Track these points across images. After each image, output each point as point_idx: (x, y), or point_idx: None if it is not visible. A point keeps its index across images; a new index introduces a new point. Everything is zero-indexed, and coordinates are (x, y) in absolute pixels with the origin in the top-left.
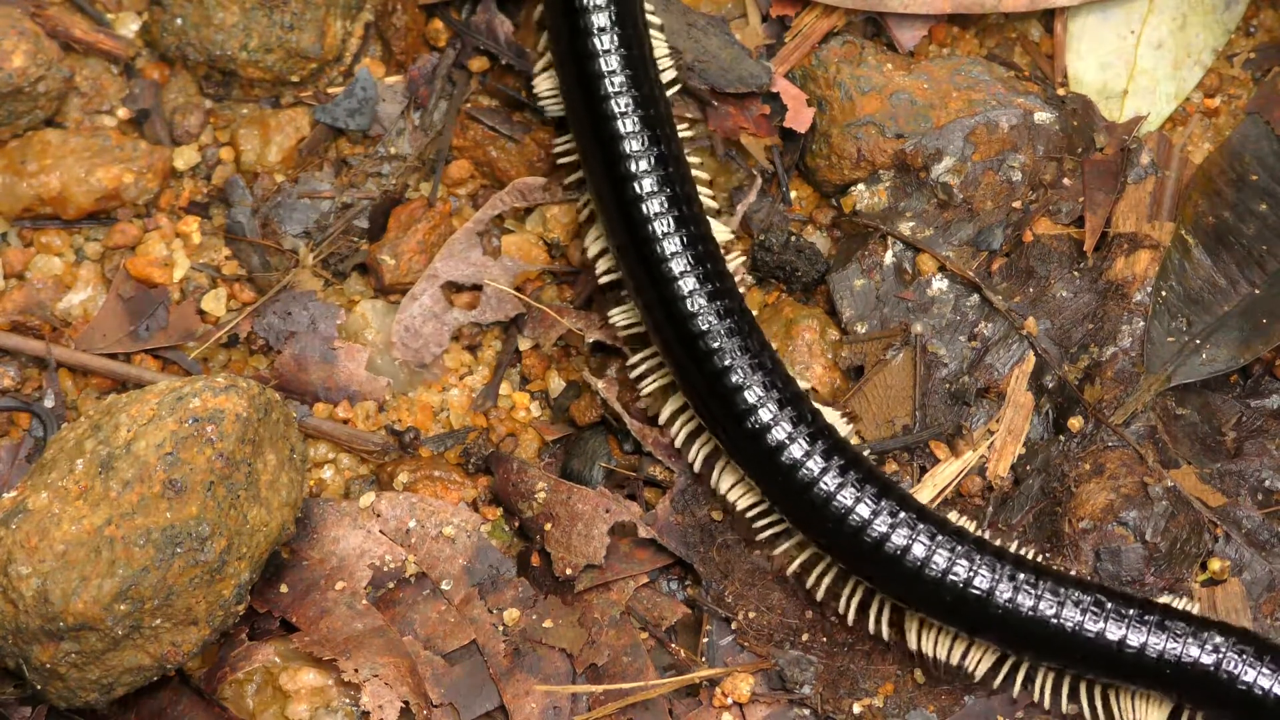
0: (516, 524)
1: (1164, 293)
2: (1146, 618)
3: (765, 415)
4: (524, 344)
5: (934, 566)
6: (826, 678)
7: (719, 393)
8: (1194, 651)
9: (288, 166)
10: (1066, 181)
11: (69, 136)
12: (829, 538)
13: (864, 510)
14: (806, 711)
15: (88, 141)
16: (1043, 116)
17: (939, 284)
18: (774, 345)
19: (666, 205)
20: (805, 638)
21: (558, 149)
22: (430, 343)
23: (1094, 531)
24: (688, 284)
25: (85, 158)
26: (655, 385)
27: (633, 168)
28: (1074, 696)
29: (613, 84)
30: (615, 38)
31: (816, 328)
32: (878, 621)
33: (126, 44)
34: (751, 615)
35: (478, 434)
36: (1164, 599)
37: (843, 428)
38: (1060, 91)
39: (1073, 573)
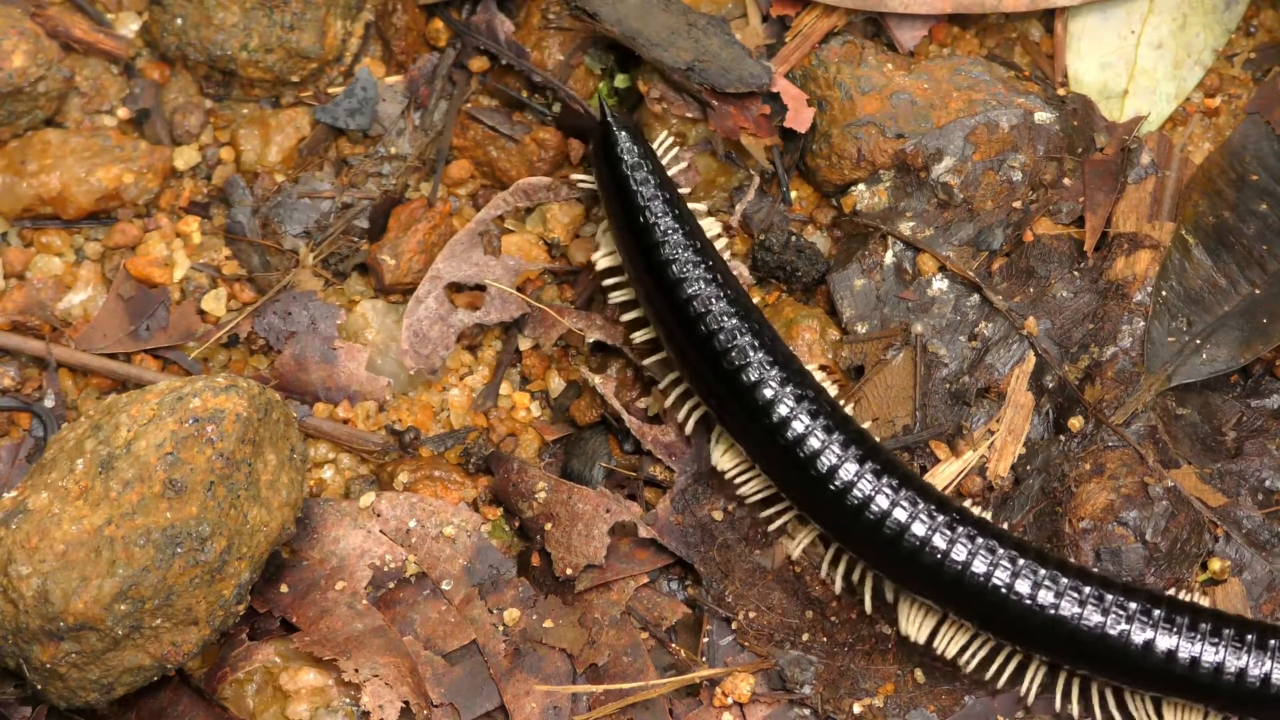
0: (516, 524)
1: (1164, 293)
2: (1250, 640)
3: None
4: (524, 344)
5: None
6: (826, 678)
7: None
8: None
9: (288, 166)
10: (1067, 181)
11: (69, 136)
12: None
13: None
14: (806, 711)
15: (88, 141)
16: (1043, 116)
17: (939, 284)
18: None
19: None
20: (805, 638)
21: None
22: (439, 347)
23: (1094, 531)
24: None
25: (85, 158)
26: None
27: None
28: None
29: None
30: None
31: (817, 328)
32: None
33: (126, 44)
34: (752, 615)
35: (478, 434)
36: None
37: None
38: (1060, 91)
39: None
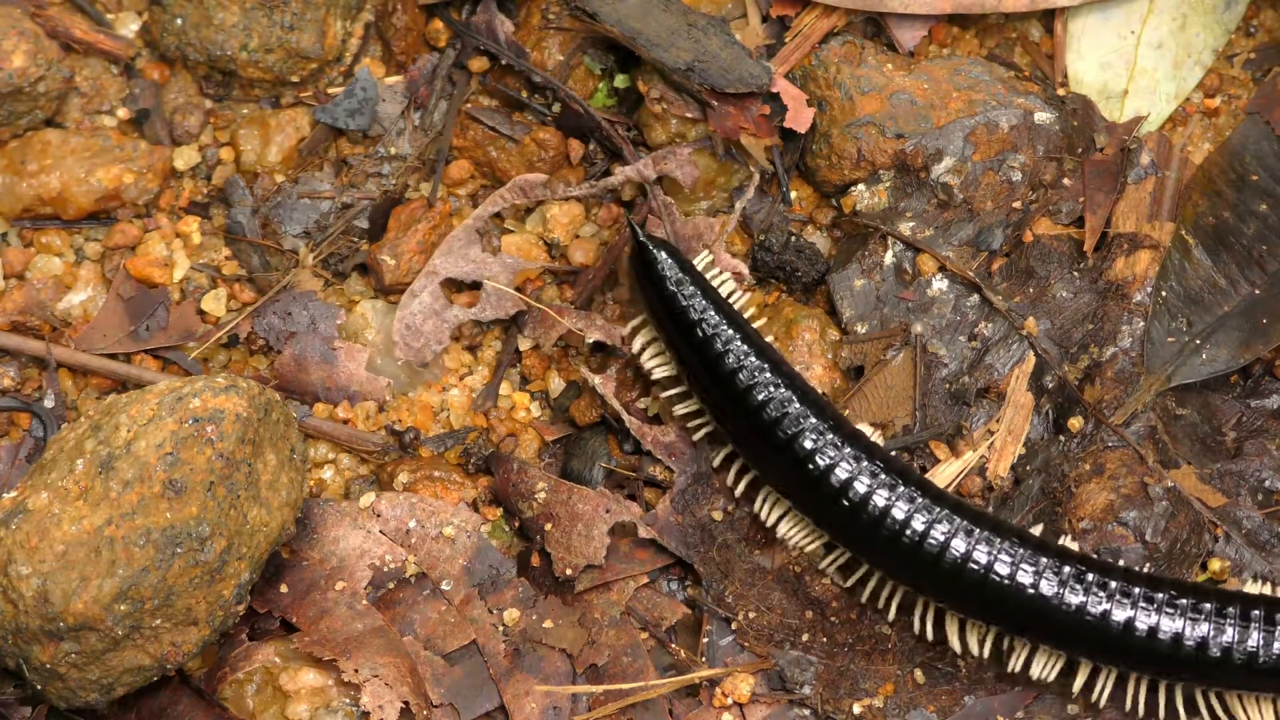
0: (516, 524)
1: (1164, 293)
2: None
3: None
4: (524, 344)
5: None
6: (826, 678)
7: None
8: None
9: (288, 166)
10: (1066, 181)
11: (69, 136)
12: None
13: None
14: (806, 711)
15: (88, 141)
16: (1043, 116)
17: (939, 284)
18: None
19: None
20: (805, 638)
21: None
22: (431, 340)
23: (1094, 531)
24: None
25: (85, 158)
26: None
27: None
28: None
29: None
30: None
31: (816, 328)
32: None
33: (126, 44)
34: (751, 615)
35: (478, 434)
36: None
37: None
38: (1060, 91)
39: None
